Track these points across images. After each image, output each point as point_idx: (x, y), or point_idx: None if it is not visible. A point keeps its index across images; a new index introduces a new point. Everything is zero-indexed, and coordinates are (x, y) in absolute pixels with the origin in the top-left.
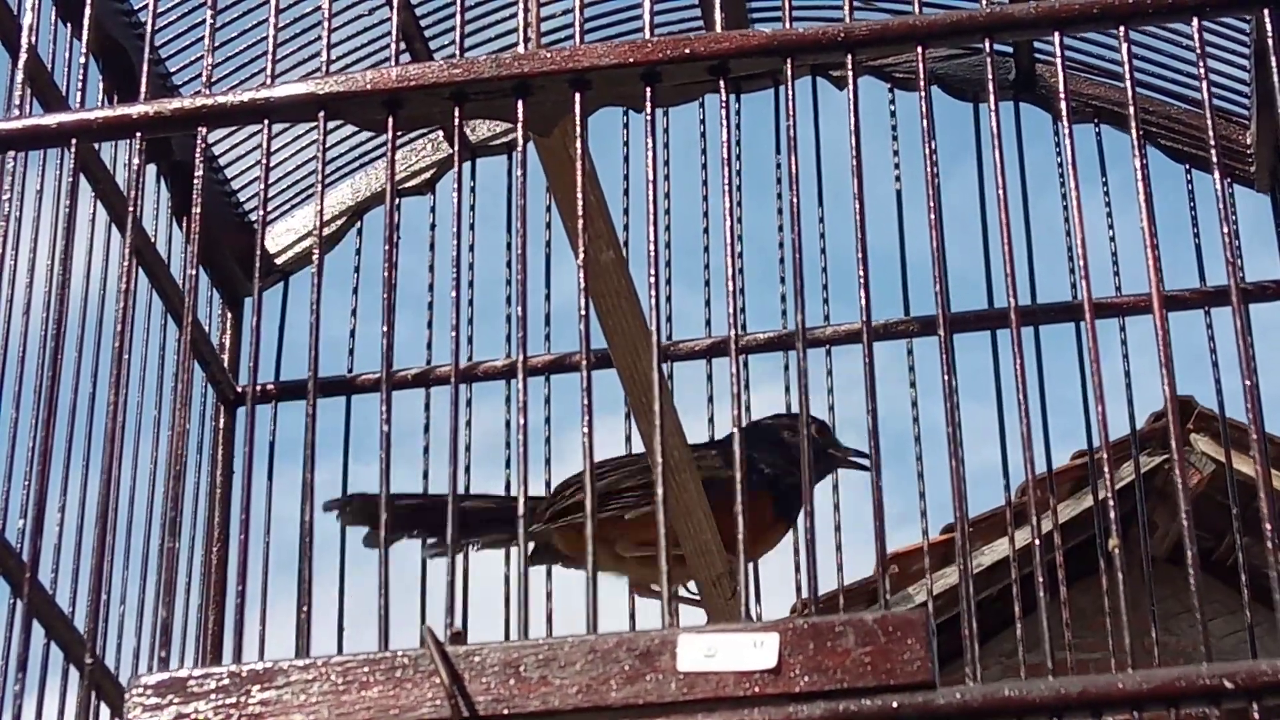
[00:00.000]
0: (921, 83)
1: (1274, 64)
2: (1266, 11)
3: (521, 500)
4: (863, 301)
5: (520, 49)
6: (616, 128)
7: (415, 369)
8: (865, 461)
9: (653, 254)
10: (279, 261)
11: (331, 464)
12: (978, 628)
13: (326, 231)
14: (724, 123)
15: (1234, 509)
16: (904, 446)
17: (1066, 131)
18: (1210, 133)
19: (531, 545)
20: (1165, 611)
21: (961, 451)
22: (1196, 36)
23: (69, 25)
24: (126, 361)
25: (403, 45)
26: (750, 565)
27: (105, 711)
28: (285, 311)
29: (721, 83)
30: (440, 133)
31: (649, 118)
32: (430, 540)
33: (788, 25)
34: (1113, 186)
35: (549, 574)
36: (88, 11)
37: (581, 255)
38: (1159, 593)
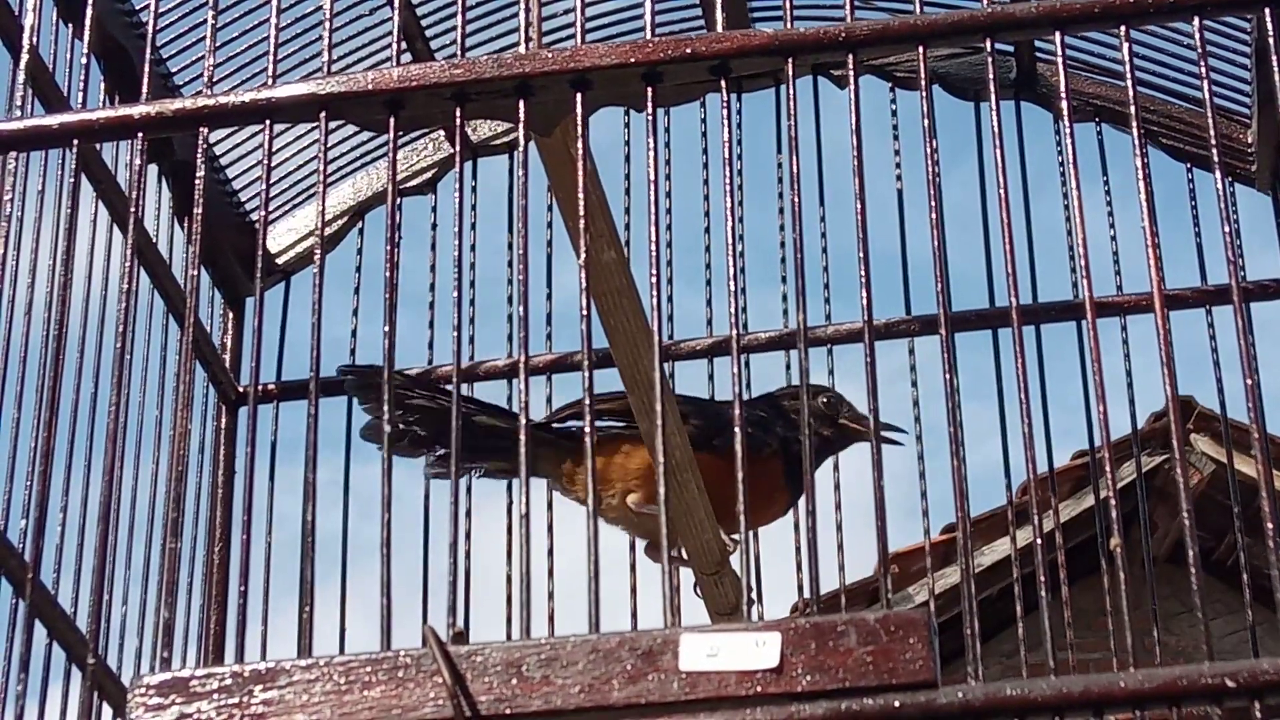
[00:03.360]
0: (922, 82)
1: (1275, 63)
2: (1267, 10)
3: (521, 503)
4: (864, 301)
5: (521, 49)
6: (618, 127)
7: (417, 368)
8: (897, 436)
9: (654, 253)
10: (280, 261)
11: (333, 463)
12: (979, 627)
13: (329, 230)
14: (725, 122)
15: (1235, 509)
16: (907, 445)
17: (1067, 131)
18: (1211, 132)
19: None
20: (1166, 611)
21: (963, 451)
22: (1197, 36)
23: (70, 25)
24: (128, 362)
25: (404, 45)
26: (752, 561)
27: (108, 712)
28: (287, 311)
29: (722, 82)
30: (441, 132)
31: (650, 117)
32: (436, 455)
33: (789, 25)
34: (1114, 185)
35: (550, 573)
36: (89, 12)
37: (583, 255)
38: (1159, 592)
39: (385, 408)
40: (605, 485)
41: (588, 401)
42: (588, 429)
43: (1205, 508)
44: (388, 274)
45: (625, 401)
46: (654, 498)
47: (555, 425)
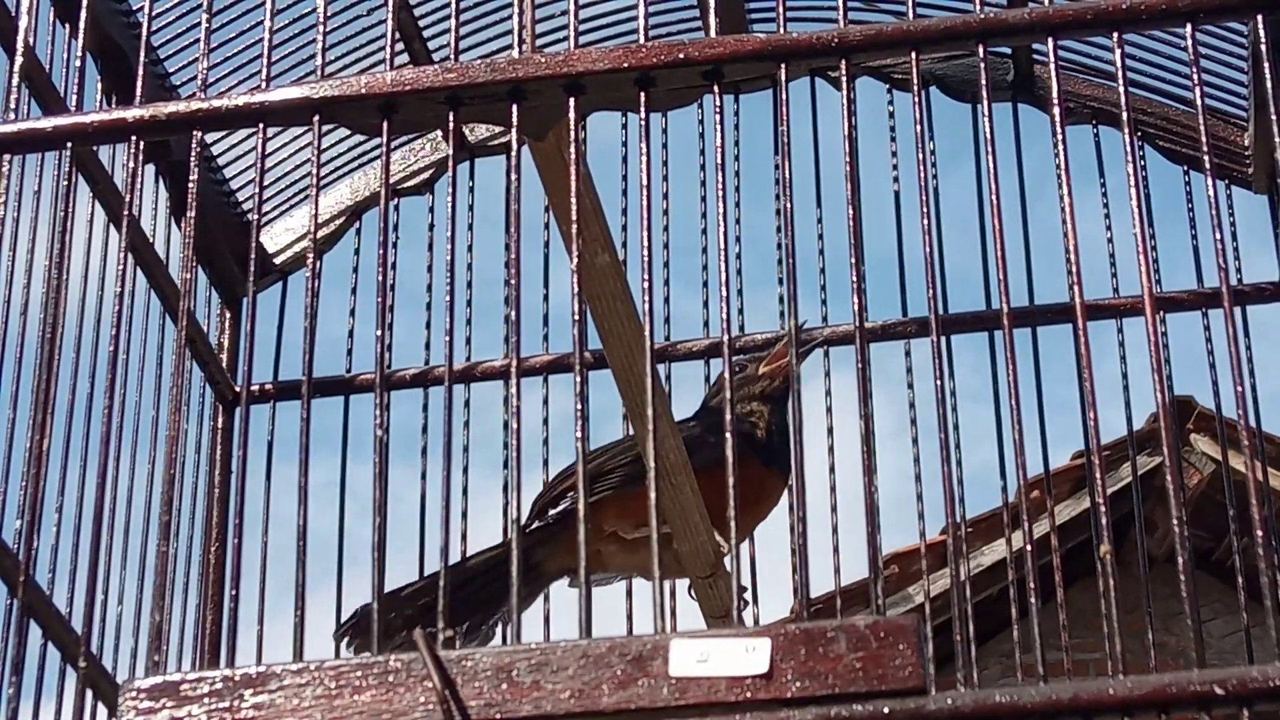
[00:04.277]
0: (915, 87)
1: (1268, 68)
2: (1260, 17)
3: (515, 504)
4: (856, 305)
5: (515, 53)
6: (616, 129)
7: (414, 369)
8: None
9: (646, 256)
10: (278, 261)
11: (330, 463)
12: (978, 627)
13: (326, 231)
14: (719, 127)
15: (1231, 510)
16: (905, 444)
17: (1061, 136)
18: (1203, 137)
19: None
20: (1166, 611)
21: (957, 454)
22: (1190, 42)
23: (67, 26)
24: (123, 362)
25: (400, 46)
26: (746, 565)
27: (102, 712)
28: (284, 311)
29: (715, 88)
30: (440, 133)
31: (643, 122)
32: (463, 631)
33: (782, 29)
34: (1110, 188)
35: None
36: (84, 13)
37: (576, 259)
38: (1160, 592)
39: (381, 415)
40: (606, 539)
41: (579, 406)
42: (579, 434)
43: (1205, 508)
44: (381, 278)
45: (609, 460)
46: (643, 519)
47: (552, 514)
